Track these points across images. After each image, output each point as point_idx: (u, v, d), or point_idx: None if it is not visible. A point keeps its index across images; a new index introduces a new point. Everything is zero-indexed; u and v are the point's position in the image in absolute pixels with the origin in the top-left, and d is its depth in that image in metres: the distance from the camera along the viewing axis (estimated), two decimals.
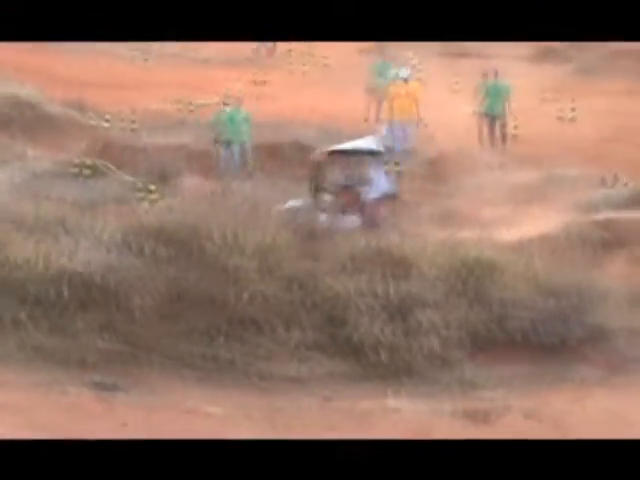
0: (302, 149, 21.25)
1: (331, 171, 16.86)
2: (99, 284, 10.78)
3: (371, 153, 16.96)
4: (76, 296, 10.73)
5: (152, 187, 18.88)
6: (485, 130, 22.15)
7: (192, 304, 10.95)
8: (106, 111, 23.92)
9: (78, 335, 10.56)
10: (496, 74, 22.41)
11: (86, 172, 20.15)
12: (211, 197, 12.51)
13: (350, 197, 16.30)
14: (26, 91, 24.22)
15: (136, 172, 19.98)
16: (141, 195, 18.54)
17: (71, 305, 10.70)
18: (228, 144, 20.97)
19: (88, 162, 20.33)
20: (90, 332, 10.59)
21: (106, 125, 23.46)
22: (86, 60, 29.12)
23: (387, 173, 17.28)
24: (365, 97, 23.98)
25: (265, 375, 10.59)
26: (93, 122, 23.63)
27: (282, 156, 20.98)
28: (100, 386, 9.94)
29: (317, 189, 16.36)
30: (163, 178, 19.39)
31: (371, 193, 16.25)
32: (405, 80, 21.76)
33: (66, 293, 10.66)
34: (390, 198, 16.42)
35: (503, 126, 22.12)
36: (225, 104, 24.66)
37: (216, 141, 21.01)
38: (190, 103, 24.58)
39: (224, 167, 20.67)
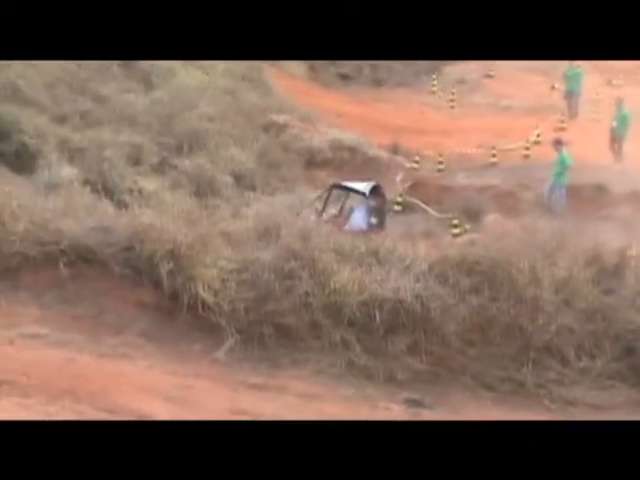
0: (602, 190, 20.64)
1: (336, 200, 18.41)
2: (407, 309, 10.60)
3: (359, 193, 17.79)
4: (386, 319, 10.56)
5: (455, 222, 18.75)
6: None
7: (500, 332, 10.60)
8: (416, 153, 24.05)
9: (388, 355, 10.40)
10: None
11: (397, 208, 20.24)
12: (519, 232, 12.10)
13: (342, 222, 17.37)
14: (347, 136, 24.75)
15: (442, 209, 19.94)
16: (450, 229, 18.47)
17: (381, 327, 10.54)
18: (556, 185, 20.68)
19: (399, 199, 20.41)
20: (399, 353, 10.43)
21: (416, 166, 23.58)
22: (398, 108, 29.50)
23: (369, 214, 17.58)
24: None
25: (569, 401, 10.14)
26: (405, 163, 23.81)
27: (583, 196, 20.47)
28: (408, 402, 9.73)
29: (322, 211, 17.81)
30: (467, 215, 19.23)
31: (345, 225, 17.27)
32: None
33: (377, 317, 10.56)
34: (365, 232, 16.19)
35: None
36: (526, 148, 24.34)
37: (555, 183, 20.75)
38: (493, 147, 24.28)
39: (547, 206, 20.35)
